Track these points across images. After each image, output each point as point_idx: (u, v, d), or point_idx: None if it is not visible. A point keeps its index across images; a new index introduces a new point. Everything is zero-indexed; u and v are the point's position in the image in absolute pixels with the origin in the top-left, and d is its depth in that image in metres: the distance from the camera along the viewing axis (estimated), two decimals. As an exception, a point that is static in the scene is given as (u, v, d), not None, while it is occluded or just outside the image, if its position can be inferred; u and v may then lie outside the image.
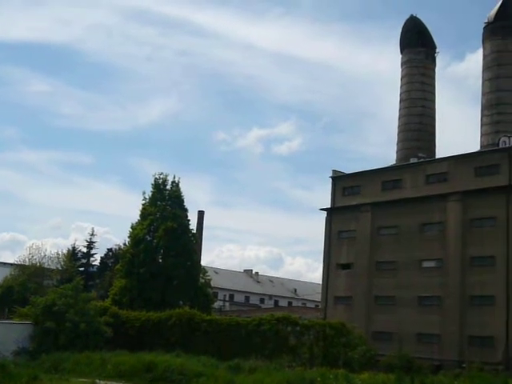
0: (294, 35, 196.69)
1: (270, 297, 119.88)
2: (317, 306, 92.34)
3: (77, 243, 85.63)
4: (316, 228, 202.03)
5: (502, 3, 79.14)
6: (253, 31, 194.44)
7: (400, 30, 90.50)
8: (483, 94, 78.41)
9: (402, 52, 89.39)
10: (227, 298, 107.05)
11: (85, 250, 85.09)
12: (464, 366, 45.78)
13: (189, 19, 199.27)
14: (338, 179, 69.33)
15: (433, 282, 58.10)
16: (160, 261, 60.49)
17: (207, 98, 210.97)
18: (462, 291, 56.09)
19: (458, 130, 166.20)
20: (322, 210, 69.59)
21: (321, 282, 69.91)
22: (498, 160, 56.91)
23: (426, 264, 59.68)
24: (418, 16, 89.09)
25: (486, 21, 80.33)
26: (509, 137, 61.16)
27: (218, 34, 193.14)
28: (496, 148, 61.06)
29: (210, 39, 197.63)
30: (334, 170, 70.14)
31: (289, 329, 43.53)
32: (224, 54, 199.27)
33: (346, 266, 66.34)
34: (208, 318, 47.99)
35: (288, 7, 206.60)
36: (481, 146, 75.07)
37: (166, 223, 59.91)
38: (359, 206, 65.35)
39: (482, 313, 54.47)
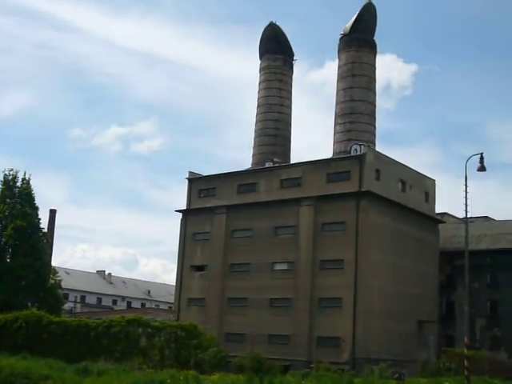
0: (157, 34, 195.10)
1: (123, 298, 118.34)
2: (170, 307, 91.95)
3: None
4: (172, 229, 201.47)
5: (356, 17, 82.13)
6: (115, 28, 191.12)
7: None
8: (337, 103, 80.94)
9: (261, 58, 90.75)
10: (78, 300, 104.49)
11: None
12: (312, 366, 46.89)
13: (48, 12, 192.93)
14: (195, 181, 69.41)
15: (284, 284, 59.30)
16: (8, 260, 58.39)
17: (65, 94, 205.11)
18: (311, 293, 57.60)
19: (313, 136, 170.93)
20: (177, 211, 69.40)
21: (175, 284, 69.62)
22: (349, 167, 58.95)
23: (278, 266, 60.86)
24: (277, 23, 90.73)
25: (342, 32, 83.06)
26: (360, 145, 63.44)
27: (78, 29, 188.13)
28: (347, 155, 63.15)
29: (70, 33, 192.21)
30: (190, 172, 70.14)
31: (140, 330, 42.95)
32: (84, 49, 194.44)
33: (200, 268, 66.50)
34: (56, 319, 46.53)
35: (150, 6, 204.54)
36: (333, 153, 77.42)
37: (15, 222, 57.99)
38: (214, 208, 65.71)
39: (331, 314, 56.19)
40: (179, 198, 70.56)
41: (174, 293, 71.50)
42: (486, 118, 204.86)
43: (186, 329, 43.92)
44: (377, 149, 68.71)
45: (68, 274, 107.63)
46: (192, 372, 32.03)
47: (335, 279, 56.58)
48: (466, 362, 40.38)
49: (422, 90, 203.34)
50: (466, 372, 40.02)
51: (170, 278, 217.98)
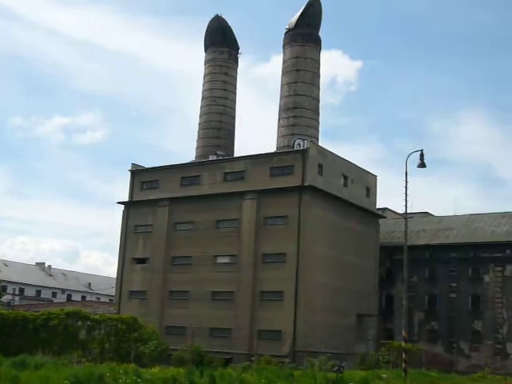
0: (102, 24, 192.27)
1: (63, 291, 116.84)
2: (111, 300, 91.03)
3: None
4: (114, 222, 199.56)
5: (302, 12, 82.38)
6: (59, 16, 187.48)
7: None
8: (281, 98, 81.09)
9: (206, 50, 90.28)
10: (17, 292, 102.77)
11: None
12: (253, 359, 47.09)
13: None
14: (137, 173, 68.88)
15: (226, 277, 59.37)
16: None
17: (6, 82, 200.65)
18: (253, 287, 57.82)
19: (258, 130, 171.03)
20: (119, 203, 68.78)
21: (116, 277, 68.99)
22: (292, 161, 59.30)
23: (220, 260, 60.91)
24: (223, 16, 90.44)
25: (287, 27, 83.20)
26: (303, 140, 63.75)
27: (20, 16, 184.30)
28: (291, 150, 63.43)
29: (11, 20, 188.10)
30: (133, 164, 69.56)
31: (79, 323, 42.56)
32: (26, 36, 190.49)
33: (141, 261, 66.08)
34: (-7, 312, 45.69)
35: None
36: (277, 148, 77.63)
37: (-49, 212, 56.54)
38: (157, 201, 65.34)
39: (272, 308, 56.50)
40: (121, 190, 70.11)
41: (115, 286, 70.87)
42: (428, 114, 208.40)
43: (126, 322, 43.73)
44: (320, 144, 69.22)
45: (6, 265, 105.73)
46: (132, 365, 31.81)
47: (277, 273, 56.90)
48: (403, 355, 41.16)
49: (367, 86, 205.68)
50: (403, 364, 40.82)
51: (112, 271, 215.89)
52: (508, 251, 61.34)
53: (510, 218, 71.75)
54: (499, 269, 68.27)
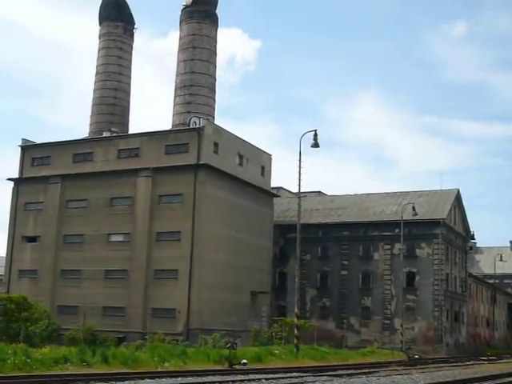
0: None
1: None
2: (0, 279, 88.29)
3: None
4: (3, 199, 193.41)
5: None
6: None
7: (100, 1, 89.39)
8: (177, 75, 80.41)
9: (100, 24, 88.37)
10: None
11: None
12: (147, 337, 46.88)
13: None
14: (28, 149, 66.82)
15: (120, 255, 58.67)
16: None
17: None
18: (147, 265, 57.41)
19: (154, 107, 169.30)
20: (9, 179, 66.61)
21: (5, 256, 66.93)
22: (188, 139, 59.00)
23: (113, 238, 60.13)
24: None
25: (184, 3, 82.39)
26: (199, 118, 63.50)
27: None
28: (186, 128, 63.07)
29: None
30: (23, 139, 67.43)
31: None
32: None
33: (32, 239, 64.35)
34: None
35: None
36: (173, 125, 77.06)
37: None
38: (48, 178, 63.64)
39: (166, 286, 56.29)
40: (11, 167, 67.81)
41: (3, 264, 68.71)
42: (324, 96, 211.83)
43: (15, 301, 42.61)
44: (216, 122, 69.18)
45: None
46: (21, 345, 30.99)
47: (171, 251, 56.67)
48: (295, 331, 42.04)
49: (265, 66, 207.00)
50: (295, 340, 41.69)
51: (0, 250, 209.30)
52: (397, 230, 63.29)
53: (398, 198, 74.16)
54: (388, 247, 70.58)
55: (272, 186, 70.78)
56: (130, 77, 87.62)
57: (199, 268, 55.82)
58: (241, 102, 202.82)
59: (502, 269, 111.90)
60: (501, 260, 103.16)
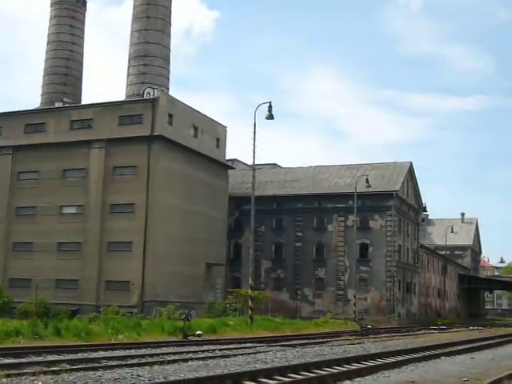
0: None
1: None
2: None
3: None
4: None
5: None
6: None
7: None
8: (131, 45, 79.35)
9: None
10: None
11: None
12: (100, 309, 46.67)
13: None
14: (-23, 119, 65.32)
15: (73, 228, 58.03)
16: None
17: None
18: (101, 237, 56.94)
19: (107, 77, 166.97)
20: (-42, 151, 65.08)
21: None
22: (142, 110, 58.35)
23: (66, 210, 59.42)
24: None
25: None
26: (153, 88, 62.86)
27: None
28: (140, 99, 62.39)
29: None
30: (-27, 110, 65.93)
31: None
32: None
33: (-18, 212, 63.15)
34: None
35: None
36: (126, 96, 76.21)
37: None
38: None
39: (120, 258, 55.94)
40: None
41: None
42: (281, 69, 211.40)
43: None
44: (171, 93, 68.57)
45: None
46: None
47: (125, 223, 56.27)
48: (249, 302, 42.29)
49: (223, 38, 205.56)
50: (249, 311, 41.95)
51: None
52: (350, 202, 63.89)
53: (352, 170, 74.73)
54: (342, 219, 71.23)
55: (227, 158, 70.63)
56: (82, 46, 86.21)
57: (153, 240, 55.58)
58: (197, 73, 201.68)
59: (453, 240, 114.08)
60: (452, 232, 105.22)
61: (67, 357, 20.06)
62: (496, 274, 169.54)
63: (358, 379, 16.53)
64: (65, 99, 71.71)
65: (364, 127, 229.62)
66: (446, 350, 26.33)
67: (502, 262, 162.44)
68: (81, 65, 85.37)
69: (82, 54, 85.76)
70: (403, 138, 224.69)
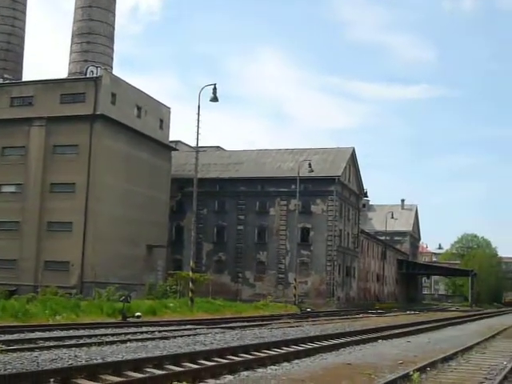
0: None
1: None
2: None
3: None
4: None
5: None
6: None
7: None
8: (75, 22, 77.73)
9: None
10: None
11: None
12: (38, 290, 46.03)
13: None
14: None
15: (12, 207, 56.98)
16: None
17: None
18: (40, 217, 56.07)
19: (49, 54, 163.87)
20: None
21: None
22: (84, 89, 57.47)
23: (5, 189, 58.34)
24: None
25: None
26: (97, 67, 61.88)
27: None
28: (83, 77, 61.36)
29: None
30: None
31: None
32: None
33: None
34: None
35: None
36: (69, 74, 74.80)
37: None
38: None
39: (60, 239, 55.19)
40: None
41: None
42: (227, 52, 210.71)
43: None
44: (115, 73, 67.56)
45: None
46: None
47: (66, 203, 55.48)
48: (190, 284, 42.30)
49: (169, 18, 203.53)
50: (190, 293, 41.96)
51: None
52: (293, 186, 64.25)
53: (296, 155, 75.15)
54: (284, 203, 71.66)
55: (171, 139, 70.20)
56: (24, 21, 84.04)
57: (94, 221, 54.99)
58: (143, 53, 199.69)
59: (393, 226, 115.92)
60: (392, 218, 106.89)
61: (3, 337, 19.71)
62: (434, 259, 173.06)
63: (296, 361, 16.71)
64: (5, 75, 69.98)
65: (309, 112, 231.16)
66: (384, 334, 26.82)
67: (440, 248, 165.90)
68: (23, 40, 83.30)
69: (23, 30, 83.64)
70: (348, 125, 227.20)
